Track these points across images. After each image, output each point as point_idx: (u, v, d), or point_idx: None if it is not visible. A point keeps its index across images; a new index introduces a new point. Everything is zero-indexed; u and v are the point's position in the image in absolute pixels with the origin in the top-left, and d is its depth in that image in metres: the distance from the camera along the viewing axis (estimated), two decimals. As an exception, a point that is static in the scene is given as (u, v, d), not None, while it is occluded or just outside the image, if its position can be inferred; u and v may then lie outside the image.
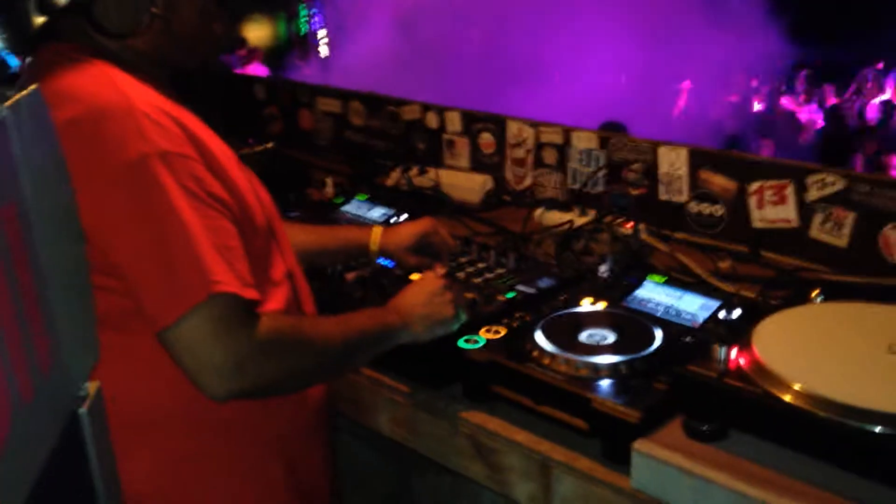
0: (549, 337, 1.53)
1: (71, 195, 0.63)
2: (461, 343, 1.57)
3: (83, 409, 0.62)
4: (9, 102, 0.52)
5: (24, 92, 0.54)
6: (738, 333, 1.43)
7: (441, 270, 1.68)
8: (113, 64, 1.26)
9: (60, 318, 0.59)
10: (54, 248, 0.58)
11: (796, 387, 1.23)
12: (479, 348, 1.56)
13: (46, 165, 0.58)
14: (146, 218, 1.16)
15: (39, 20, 1.24)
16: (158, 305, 1.17)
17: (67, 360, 0.60)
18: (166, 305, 1.16)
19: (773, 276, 1.98)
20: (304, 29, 10.28)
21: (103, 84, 1.22)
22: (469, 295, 1.71)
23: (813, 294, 1.52)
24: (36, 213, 0.55)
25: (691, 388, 1.34)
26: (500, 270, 1.87)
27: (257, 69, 8.54)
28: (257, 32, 10.04)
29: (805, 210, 2.05)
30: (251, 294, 1.21)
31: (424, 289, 1.52)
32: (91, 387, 0.63)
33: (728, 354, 1.34)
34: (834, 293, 1.56)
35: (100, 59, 1.26)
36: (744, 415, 1.29)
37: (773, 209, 2.10)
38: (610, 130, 2.84)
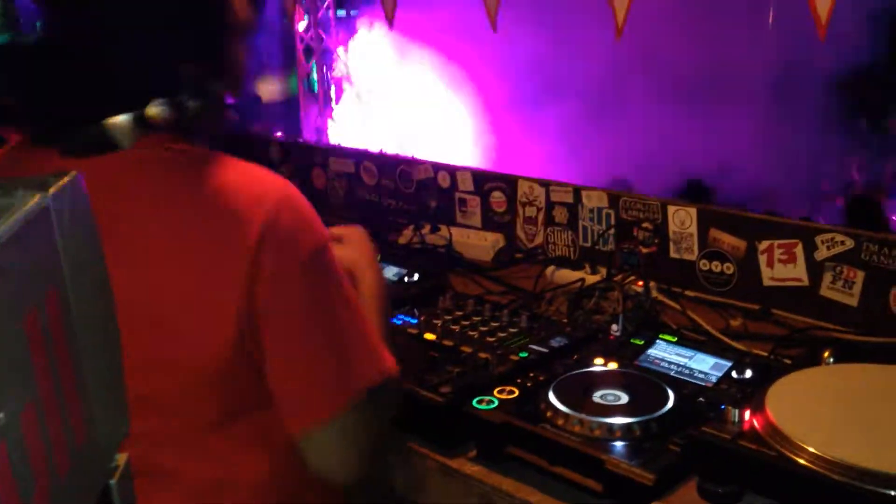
0: (562, 397, 1.53)
1: (105, 273, 0.66)
2: (474, 404, 1.58)
3: (113, 481, 0.64)
4: (52, 189, 0.55)
5: (67, 178, 0.57)
6: (752, 394, 1.44)
7: None
8: None
9: (94, 393, 0.61)
10: (89, 324, 0.61)
11: (811, 449, 1.24)
12: (492, 409, 1.56)
13: (84, 246, 0.60)
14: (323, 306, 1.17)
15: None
16: (326, 394, 1.16)
17: (100, 433, 0.62)
18: (337, 393, 1.16)
19: (784, 334, 1.99)
20: (315, 86, 10.38)
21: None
22: (483, 355, 1.73)
23: (825, 355, 1.53)
24: (73, 292, 0.58)
25: (706, 450, 1.35)
26: (512, 330, 1.89)
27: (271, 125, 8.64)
28: (270, 88, 10.15)
29: (815, 269, 2.07)
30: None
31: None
32: (120, 458, 0.65)
33: (742, 416, 1.35)
34: (845, 353, 1.56)
35: None
36: (759, 477, 1.29)
37: (783, 268, 2.12)
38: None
